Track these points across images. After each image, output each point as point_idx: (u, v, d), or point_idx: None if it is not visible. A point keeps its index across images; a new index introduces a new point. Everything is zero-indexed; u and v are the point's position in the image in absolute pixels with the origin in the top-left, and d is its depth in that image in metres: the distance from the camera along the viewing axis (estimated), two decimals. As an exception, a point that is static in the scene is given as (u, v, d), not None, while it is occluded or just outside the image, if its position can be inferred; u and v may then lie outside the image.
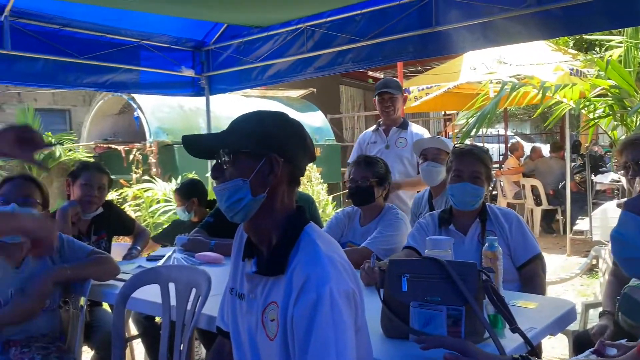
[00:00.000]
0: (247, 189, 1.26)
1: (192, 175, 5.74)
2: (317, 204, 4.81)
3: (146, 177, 6.63)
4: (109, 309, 3.06)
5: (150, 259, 2.96)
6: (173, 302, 2.06)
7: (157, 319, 3.07)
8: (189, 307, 2.00)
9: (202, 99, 5.18)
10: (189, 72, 4.82)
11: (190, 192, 3.56)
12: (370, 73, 12.40)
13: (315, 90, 9.60)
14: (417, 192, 3.42)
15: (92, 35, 4.13)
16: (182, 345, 1.97)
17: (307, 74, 4.31)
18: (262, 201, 1.28)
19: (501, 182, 8.78)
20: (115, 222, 3.19)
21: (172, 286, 2.09)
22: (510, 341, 1.56)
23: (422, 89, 7.55)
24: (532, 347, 1.52)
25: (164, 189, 6.02)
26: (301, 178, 1.36)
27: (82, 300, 2.34)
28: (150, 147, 7.15)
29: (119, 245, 3.48)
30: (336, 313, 1.13)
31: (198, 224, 3.29)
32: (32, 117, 8.40)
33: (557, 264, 6.02)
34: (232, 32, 4.57)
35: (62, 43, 3.98)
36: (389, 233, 2.60)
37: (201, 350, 3.39)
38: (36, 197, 2.22)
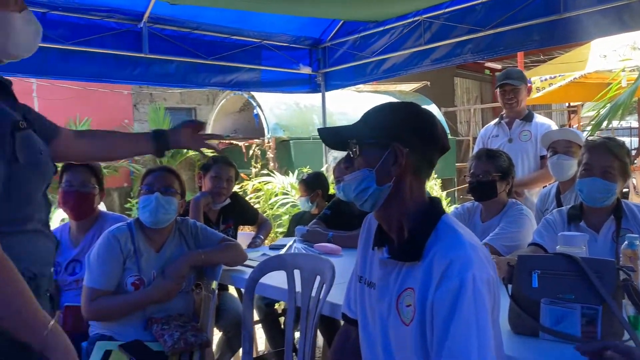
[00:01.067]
0: (373, 179, 1.29)
1: (306, 169, 5.90)
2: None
3: (264, 172, 6.94)
4: (234, 294, 3.25)
5: (273, 247, 3.11)
6: (298, 288, 2.14)
7: (277, 306, 3.21)
8: (313, 294, 2.08)
9: (316, 95, 5.30)
10: (306, 70, 4.95)
11: (316, 184, 3.66)
12: (487, 64, 11.95)
13: (429, 83, 9.43)
14: (543, 187, 3.27)
15: (218, 37, 4.38)
16: (306, 329, 2.06)
17: (423, 66, 4.25)
18: (388, 191, 1.30)
19: (633, 179, 8.08)
20: (241, 212, 3.38)
21: (297, 273, 2.17)
22: (653, 345, 1.46)
23: (545, 80, 7.14)
24: (679, 353, 1.40)
25: (282, 182, 6.26)
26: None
27: (214, 284, 2.49)
28: (268, 142, 7.47)
29: (243, 235, 3.67)
30: (478, 299, 1.14)
31: (316, 216, 3.39)
32: (163, 115, 9.11)
33: (701, 269, 5.44)
34: (349, 28, 4.63)
35: (192, 45, 4.26)
36: (512, 229, 2.49)
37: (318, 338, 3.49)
38: (176, 187, 2.40)
